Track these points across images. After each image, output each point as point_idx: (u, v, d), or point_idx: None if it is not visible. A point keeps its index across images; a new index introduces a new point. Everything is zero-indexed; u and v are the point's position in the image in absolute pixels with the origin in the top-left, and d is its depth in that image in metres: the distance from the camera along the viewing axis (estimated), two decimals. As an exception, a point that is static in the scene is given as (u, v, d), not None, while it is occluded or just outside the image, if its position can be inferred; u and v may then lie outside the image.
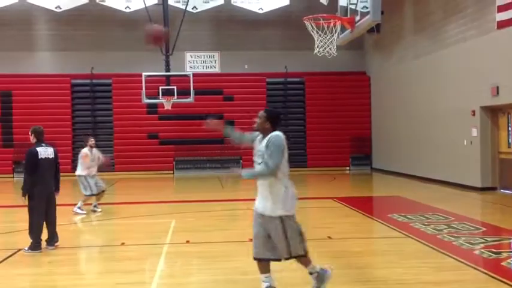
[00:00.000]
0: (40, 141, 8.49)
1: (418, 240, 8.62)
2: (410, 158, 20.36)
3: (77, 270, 7.41)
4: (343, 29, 8.95)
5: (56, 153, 8.52)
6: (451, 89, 17.06)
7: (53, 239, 8.40)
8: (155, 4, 22.26)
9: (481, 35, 15.31)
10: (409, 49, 20.55)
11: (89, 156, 12.32)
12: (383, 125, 23.76)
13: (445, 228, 9.52)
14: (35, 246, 8.16)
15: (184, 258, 7.85)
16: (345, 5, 9.45)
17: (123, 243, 8.83)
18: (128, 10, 22.49)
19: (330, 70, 24.44)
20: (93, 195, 12.27)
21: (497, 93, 14.53)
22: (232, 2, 22.93)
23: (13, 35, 24.10)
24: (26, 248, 8.18)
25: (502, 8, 13.93)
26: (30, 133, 8.61)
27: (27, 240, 8.31)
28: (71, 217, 12.00)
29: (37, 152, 8.29)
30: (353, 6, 9.03)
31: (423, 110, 19.18)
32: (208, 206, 13.44)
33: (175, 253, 8.24)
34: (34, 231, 8.20)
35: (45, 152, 8.37)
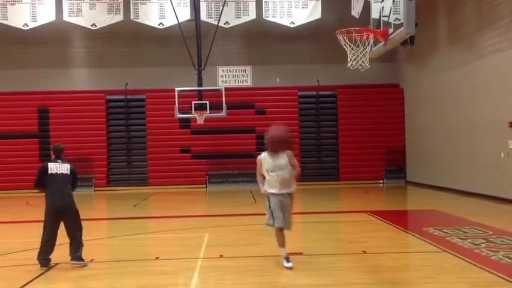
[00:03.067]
0: (57, 158, 8.61)
1: (454, 255, 8.44)
2: (446, 171, 20.01)
3: (111, 284, 7.47)
4: (376, 42, 8.88)
5: (72, 169, 8.59)
6: (487, 100, 16.75)
7: (75, 253, 8.43)
8: (188, 20, 22.54)
9: (517, 45, 15.03)
10: (443, 60, 20.28)
11: None
12: (417, 137, 23.45)
13: (483, 243, 9.30)
14: (40, 261, 8.22)
15: (218, 273, 7.85)
16: (378, 17, 9.39)
17: (157, 258, 8.88)
18: (161, 27, 22.82)
19: (362, 83, 24.30)
20: None
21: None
22: (264, 17, 23.06)
23: (50, 52, 24.68)
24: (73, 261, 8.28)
25: (538, 18, 13.66)
26: (50, 149, 8.81)
27: (64, 255, 8.43)
28: (105, 231, 12.14)
29: (47, 167, 8.44)
30: (386, 19, 8.96)
31: (458, 121, 18.87)
32: (241, 220, 13.44)
33: (209, 267, 8.24)
34: (40, 246, 8.30)
35: (59, 167, 8.47)
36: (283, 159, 7.90)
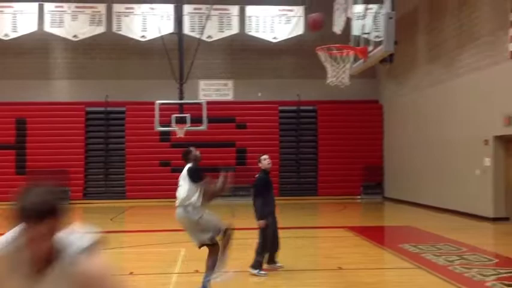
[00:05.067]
0: None
1: (429, 272, 8.51)
2: (423, 187, 20.21)
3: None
4: (356, 59, 8.98)
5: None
6: (465, 118, 17.00)
7: None
8: (171, 33, 22.55)
9: (495, 64, 15.30)
10: (422, 78, 20.56)
11: None
12: (395, 153, 23.66)
13: (457, 260, 9.40)
14: None
15: (193, 288, 7.80)
16: (358, 34, 9.50)
17: (131, 273, 8.80)
18: (143, 39, 22.78)
19: (342, 99, 24.47)
20: None
21: (510, 122, 14.45)
22: (246, 31, 23.17)
23: (30, 63, 24.50)
24: None
25: (514, 38, 13.95)
26: None
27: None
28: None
29: None
30: (366, 36, 9.07)
31: (436, 138, 19.10)
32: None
33: (185, 283, 8.21)
34: None
35: None
36: None
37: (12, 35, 22.35)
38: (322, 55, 9.28)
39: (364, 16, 9.36)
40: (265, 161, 8.95)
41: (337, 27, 20.49)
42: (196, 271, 8.81)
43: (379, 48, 8.09)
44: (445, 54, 18.57)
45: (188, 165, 7.49)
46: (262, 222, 8.49)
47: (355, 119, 25.17)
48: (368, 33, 9.12)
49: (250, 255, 9.56)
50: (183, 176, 7.52)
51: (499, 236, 13.52)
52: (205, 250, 10.57)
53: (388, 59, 8.42)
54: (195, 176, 7.23)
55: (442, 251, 10.30)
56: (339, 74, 9.18)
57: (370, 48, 8.73)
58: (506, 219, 15.26)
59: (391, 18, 7.54)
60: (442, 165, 18.61)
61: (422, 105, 20.41)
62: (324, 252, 11.06)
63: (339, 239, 12.67)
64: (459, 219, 16.27)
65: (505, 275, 8.26)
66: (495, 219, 15.16)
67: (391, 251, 10.58)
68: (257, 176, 8.90)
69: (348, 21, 17.67)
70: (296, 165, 25.66)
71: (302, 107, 25.80)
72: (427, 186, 19.83)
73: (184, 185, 7.27)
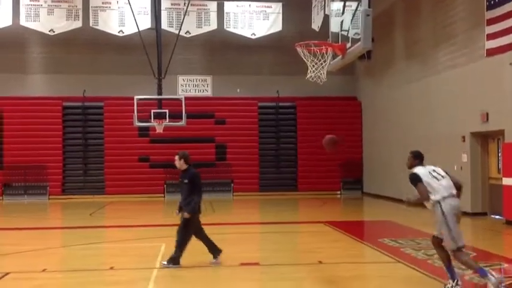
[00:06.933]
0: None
1: (408, 266, 8.61)
2: (401, 183, 20.34)
3: (65, 294, 7.33)
4: (334, 55, 9.03)
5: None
6: (442, 114, 17.20)
7: None
8: (148, 28, 22.37)
9: (471, 62, 15.51)
10: (400, 75, 20.76)
11: None
12: (374, 149, 23.87)
13: (436, 254, 9.49)
14: None
15: (174, 283, 7.79)
16: (336, 31, 9.55)
17: (112, 267, 8.74)
18: (121, 34, 22.57)
19: (321, 95, 24.59)
20: None
21: (487, 119, 14.67)
22: (225, 27, 23.12)
23: (6, 57, 24.11)
24: None
25: (490, 37, 14.14)
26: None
27: (16, 263, 8.22)
28: (59, 240, 11.89)
29: None
30: (345, 33, 9.12)
31: (414, 135, 19.30)
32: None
33: (165, 277, 8.17)
34: None
35: None
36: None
37: (-13, 29, 21.98)
38: (300, 51, 9.30)
39: (342, 13, 9.40)
40: None
41: (316, 24, 20.56)
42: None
43: (357, 45, 8.14)
44: (422, 52, 18.76)
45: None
46: (188, 214, 8.53)
47: (334, 115, 25.31)
48: (346, 30, 9.16)
49: (230, 250, 9.59)
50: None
51: (476, 230, 13.71)
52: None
53: (365, 56, 8.50)
54: None
55: (421, 245, 10.42)
56: (317, 70, 9.21)
57: (348, 45, 8.77)
58: (483, 214, 15.49)
59: (368, 15, 7.59)
60: (419, 161, 18.77)
61: (399, 102, 20.60)
62: (304, 247, 11.09)
63: (319, 233, 12.74)
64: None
65: (482, 268, 8.38)
66: (473, 214, 15.37)
67: (371, 246, 10.67)
68: (194, 171, 8.89)
69: (326, 18, 17.72)
70: (276, 160, 25.72)
71: (281, 103, 25.86)
72: (406, 181, 19.92)
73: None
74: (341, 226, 13.55)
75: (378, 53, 21.54)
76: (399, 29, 20.89)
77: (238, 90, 25.46)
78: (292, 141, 25.82)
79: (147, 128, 23.55)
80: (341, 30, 9.34)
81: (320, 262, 9.05)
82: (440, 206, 7.11)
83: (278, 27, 23.27)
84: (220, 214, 17.90)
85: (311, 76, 8.78)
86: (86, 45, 24.38)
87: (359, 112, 25.65)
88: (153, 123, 21.36)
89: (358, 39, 7.78)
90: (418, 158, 7.82)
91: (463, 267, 7.39)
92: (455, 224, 7.05)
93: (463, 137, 15.89)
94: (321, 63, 8.63)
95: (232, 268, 8.65)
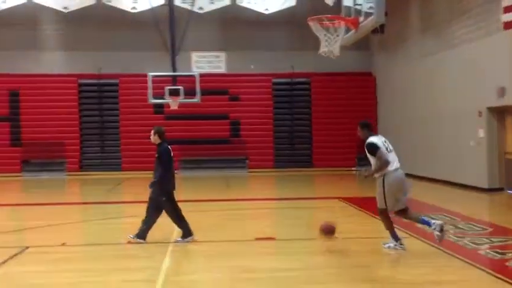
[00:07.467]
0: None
1: (422, 241, 8.65)
2: (417, 159, 20.33)
3: (82, 267, 7.47)
4: (348, 30, 8.98)
5: None
6: (458, 89, 17.03)
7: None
8: (162, 5, 22.33)
9: (487, 35, 15.28)
10: (415, 49, 20.52)
11: None
12: (389, 125, 23.73)
13: (451, 229, 9.53)
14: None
15: (189, 257, 7.92)
16: (350, 5, 9.47)
17: (129, 242, 8.89)
18: (134, 11, 22.56)
19: (336, 71, 24.44)
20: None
21: (504, 94, 14.51)
22: (237, 3, 22.97)
23: (21, 34, 24.21)
24: None
25: (508, 9, 13.88)
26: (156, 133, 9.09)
27: (36, 238, 8.39)
28: (78, 215, 12.08)
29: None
30: (358, 7, 9.05)
31: (429, 110, 19.17)
32: (213, 206, 13.52)
33: (181, 251, 8.31)
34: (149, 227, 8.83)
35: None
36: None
37: (2, 6, 22.11)
38: (313, 26, 9.26)
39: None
40: None
41: (329, -1, 20.32)
42: (193, 240, 8.92)
43: (369, 18, 8.09)
44: (437, 25, 18.51)
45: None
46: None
47: (348, 91, 25.19)
48: (360, 4, 9.08)
49: (246, 225, 9.69)
50: None
51: (493, 206, 13.70)
52: (199, 221, 10.68)
53: (378, 30, 8.46)
54: None
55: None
56: (330, 44, 9.17)
57: (361, 19, 8.71)
58: (500, 189, 15.40)
59: (381, -12, 7.55)
60: (436, 137, 18.71)
61: (414, 76, 20.42)
62: (319, 222, 11.15)
63: (334, 209, 12.80)
64: (454, 190, 16.43)
65: (498, 243, 8.41)
66: (490, 190, 15.30)
67: (385, 221, 10.68)
68: (165, 146, 8.93)
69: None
70: (290, 137, 25.73)
71: (296, 79, 25.76)
72: (421, 157, 19.95)
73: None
74: (356, 202, 13.59)
75: (392, 27, 21.28)
76: (414, 2, 20.58)
77: (252, 66, 25.37)
78: (307, 118, 25.77)
79: (161, 105, 23.66)
80: (354, 4, 9.27)
81: (336, 237, 9.11)
82: (384, 178, 7.88)
83: (292, 1, 23.07)
84: (235, 190, 18.04)
85: (324, 51, 8.75)
86: (100, 22, 24.39)
87: (373, 87, 25.49)
88: (168, 100, 21.44)
89: (371, 13, 7.73)
90: (366, 127, 8.14)
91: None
92: (399, 192, 7.94)
93: (480, 112, 15.75)
94: (334, 38, 8.59)
95: (248, 243, 8.76)
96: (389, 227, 8.13)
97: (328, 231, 8.25)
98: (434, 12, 18.80)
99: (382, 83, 24.79)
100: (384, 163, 7.78)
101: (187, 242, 8.65)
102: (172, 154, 8.90)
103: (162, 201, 8.75)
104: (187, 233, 8.76)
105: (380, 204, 8.02)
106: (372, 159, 7.97)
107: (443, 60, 18.02)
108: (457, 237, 8.83)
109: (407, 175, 20.75)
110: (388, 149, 8.01)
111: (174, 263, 7.60)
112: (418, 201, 13.97)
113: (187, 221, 8.86)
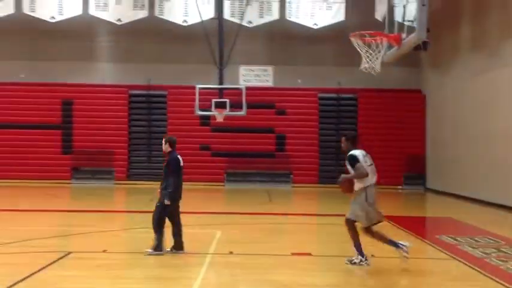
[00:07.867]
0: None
1: (464, 263, 8.43)
2: (465, 179, 19.83)
3: (120, 274, 7.62)
4: (390, 46, 8.92)
5: None
6: (510, 107, 16.57)
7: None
8: (211, 18, 22.69)
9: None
10: (466, 67, 20.10)
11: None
12: (439, 144, 23.25)
13: (494, 252, 9.26)
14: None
15: (226, 269, 7.96)
16: (399, 21, 9.40)
17: (169, 251, 9.01)
18: (185, 24, 23.01)
19: (384, 87, 24.18)
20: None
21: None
22: (287, 17, 23.10)
23: (76, 45, 24.98)
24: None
25: None
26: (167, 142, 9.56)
27: (79, 244, 8.60)
28: (120, 223, 12.31)
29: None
30: (409, 23, 8.95)
31: (481, 129, 18.69)
32: (255, 219, 13.54)
33: (218, 263, 8.36)
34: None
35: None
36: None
37: (58, 18, 22.94)
38: (355, 41, 9.26)
39: (405, 2, 9.22)
40: None
41: (379, 14, 20.21)
42: (231, 252, 8.96)
43: (412, 35, 8.03)
44: (489, 43, 18.10)
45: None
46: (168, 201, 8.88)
47: (396, 107, 24.82)
48: (411, 21, 8.99)
49: (284, 239, 9.67)
50: None
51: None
52: (239, 233, 10.70)
53: (421, 47, 8.37)
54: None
55: (479, 243, 10.15)
56: (371, 60, 9.14)
57: (404, 35, 8.65)
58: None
59: (424, 5, 7.51)
60: (486, 157, 18.20)
61: (466, 94, 19.98)
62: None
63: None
64: (501, 212, 15.93)
65: (542, 268, 8.10)
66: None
67: (428, 242, 10.51)
68: (175, 155, 9.32)
69: (390, 8, 17.41)
70: (336, 152, 25.51)
71: (342, 95, 25.61)
72: (470, 178, 19.43)
73: None
74: (399, 221, 13.34)
75: (442, 44, 20.95)
76: (465, 19, 20.18)
77: (299, 80, 25.39)
78: (353, 134, 25.48)
79: (208, 117, 23.92)
80: (405, 20, 9.19)
81: (373, 255, 8.97)
82: (366, 192, 8.02)
83: (341, 17, 23.00)
84: (277, 204, 18.02)
85: (365, 67, 8.72)
86: (151, 34, 24.91)
87: (423, 105, 25.04)
88: (214, 112, 21.69)
89: (414, 29, 7.68)
90: (350, 140, 8.31)
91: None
92: (374, 206, 8.11)
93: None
94: (375, 54, 8.55)
95: (283, 257, 8.74)
96: (356, 239, 8.25)
97: (347, 190, 8.39)
98: (486, 30, 18.40)
99: (432, 101, 24.32)
100: (360, 174, 8.00)
101: (153, 255, 8.61)
102: (182, 164, 9.07)
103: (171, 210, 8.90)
104: (159, 246, 8.74)
105: (356, 216, 8.14)
106: (352, 171, 8.18)
107: (494, 78, 17.59)
108: (500, 260, 8.57)
109: (455, 196, 20.42)
110: (369, 162, 8.24)
111: (210, 275, 7.65)
112: (463, 222, 13.62)
113: (165, 236, 8.86)
